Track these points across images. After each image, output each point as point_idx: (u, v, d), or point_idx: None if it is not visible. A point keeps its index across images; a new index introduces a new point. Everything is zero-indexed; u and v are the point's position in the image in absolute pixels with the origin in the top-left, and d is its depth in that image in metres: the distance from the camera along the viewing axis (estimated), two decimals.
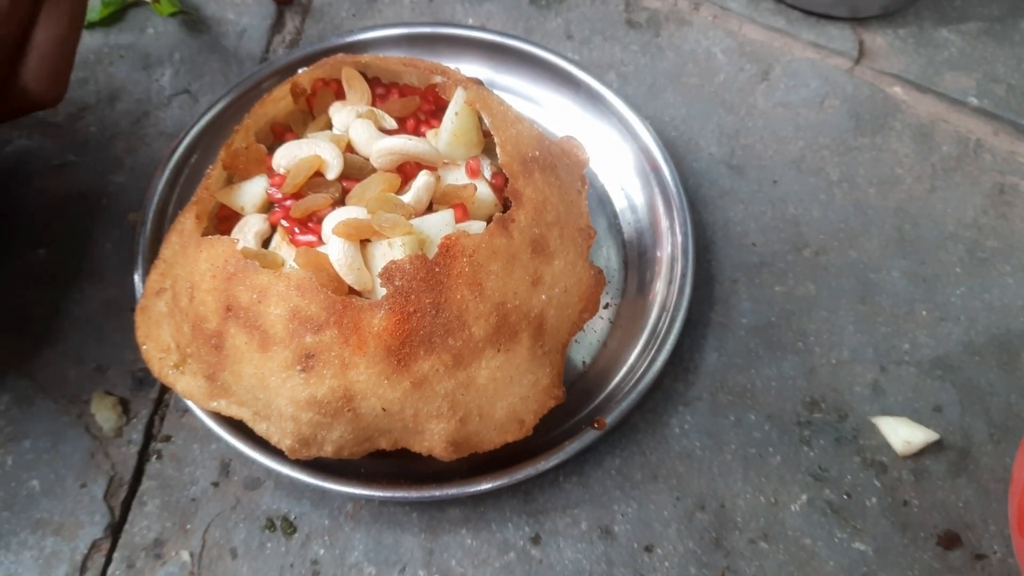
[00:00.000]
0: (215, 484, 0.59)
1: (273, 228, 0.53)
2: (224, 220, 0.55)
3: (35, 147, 0.71)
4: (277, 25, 0.80)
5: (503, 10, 0.80)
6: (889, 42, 0.79)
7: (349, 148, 0.54)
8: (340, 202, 0.53)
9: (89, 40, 0.76)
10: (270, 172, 0.54)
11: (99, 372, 0.62)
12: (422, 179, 0.52)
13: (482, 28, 0.74)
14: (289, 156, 0.53)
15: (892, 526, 0.58)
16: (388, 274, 0.47)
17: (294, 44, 0.79)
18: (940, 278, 0.67)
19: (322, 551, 0.56)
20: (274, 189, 0.54)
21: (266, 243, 0.53)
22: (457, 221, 0.52)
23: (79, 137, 0.71)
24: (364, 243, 0.50)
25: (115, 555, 0.56)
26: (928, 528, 0.58)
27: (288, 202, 0.52)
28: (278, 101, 0.58)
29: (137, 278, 0.61)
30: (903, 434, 0.60)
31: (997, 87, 0.76)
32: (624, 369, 0.61)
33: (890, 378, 0.63)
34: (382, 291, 0.47)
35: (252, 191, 0.54)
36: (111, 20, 0.77)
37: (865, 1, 0.78)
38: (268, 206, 0.55)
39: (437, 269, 0.47)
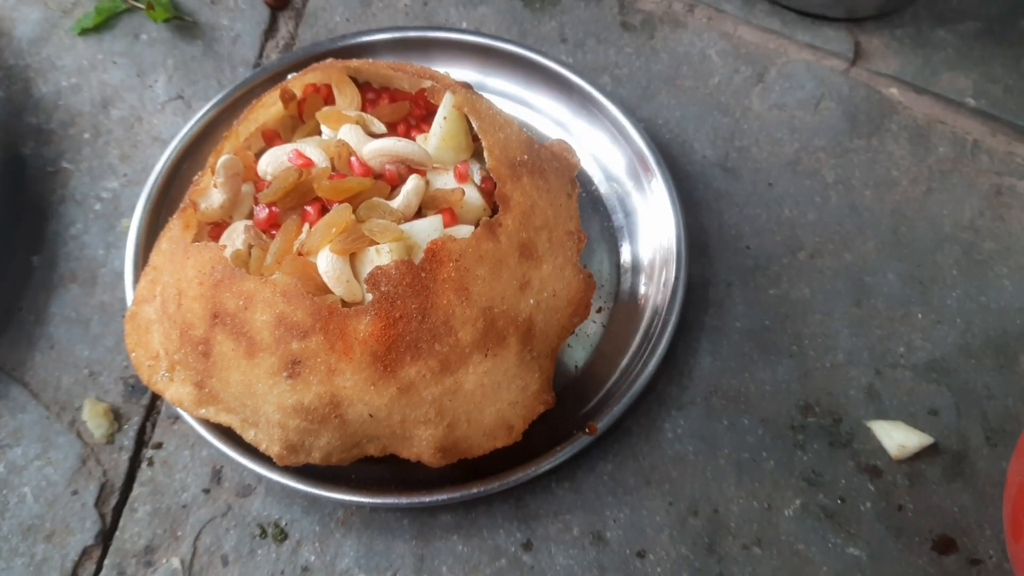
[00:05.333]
0: (206, 491, 0.58)
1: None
2: (214, 226, 0.55)
3: (29, 153, 0.71)
4: (270, 30, 0.80)
5: (497, 13, 0.80)
6: (885, 43, 0.79)
7: (340, 154, 0.54)
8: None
9: (83, 47, 0.76)
10: (256, 178, 0.54)
11: (91, 378, 0.62)
12: (411, 183, 0.52)
13: (475, 32, 0.73)
14: (274, 161, 0.53)
15: (887, 531, 0.57)
16: (374, 279, 0.46)
17: (288, 49, 0.79)
18: (936, 280, 0.67)
19: (313, 557, 0.56)
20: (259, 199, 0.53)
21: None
22: (445, 226, 0.51)
23: (73, 143, 0.71)
24: (352, 253, 0.50)
25: (106, 562, 0.56)
26: (923, 533, 0.57)
27: (275, 207, 0.52)
28: (268, 107, 0.58)
29: (128, 284, 0.61)
30: (898, 438, 0.59)
31: (994, 87, 0.76)
32: (617, 373, 0.60)
33: (885, 381, 0.63)
34: (370, 299, 0.47)
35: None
36: (104, 26, 0.77)
37: (861, 1, 0.78)
38: None
39: (423, 274, 0.47)
